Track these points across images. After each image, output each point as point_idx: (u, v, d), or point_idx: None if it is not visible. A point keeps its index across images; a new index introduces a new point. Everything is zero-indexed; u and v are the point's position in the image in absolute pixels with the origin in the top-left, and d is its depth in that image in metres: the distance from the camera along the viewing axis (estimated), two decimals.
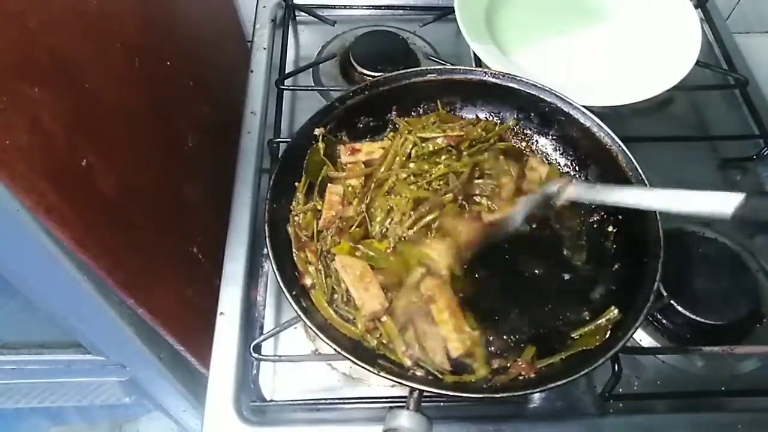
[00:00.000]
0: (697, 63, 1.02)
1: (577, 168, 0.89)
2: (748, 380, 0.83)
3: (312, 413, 0.79)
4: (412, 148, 0.85)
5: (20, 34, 0.59)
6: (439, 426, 0.77)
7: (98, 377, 1.13)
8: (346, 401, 0.80)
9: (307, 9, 1.20)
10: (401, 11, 1.23)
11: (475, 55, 1.04)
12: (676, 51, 1.05)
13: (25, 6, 0.60)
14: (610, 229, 0.83)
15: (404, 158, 0.84)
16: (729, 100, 1.13)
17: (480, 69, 0.89)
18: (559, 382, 0.65)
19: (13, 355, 1.04)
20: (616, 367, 0.77)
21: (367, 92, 0.87)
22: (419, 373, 0.70)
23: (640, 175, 0.78)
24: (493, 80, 0.88)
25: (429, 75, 0.88)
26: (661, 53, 1.06)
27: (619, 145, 0.81)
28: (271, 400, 0.80)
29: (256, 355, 0.79)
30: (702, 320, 0.82)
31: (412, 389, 0.65)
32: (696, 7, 1.13)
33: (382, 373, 0.65)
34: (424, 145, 0.84)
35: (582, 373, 0.65)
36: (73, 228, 0.68)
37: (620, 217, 0.82)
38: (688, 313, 0.82)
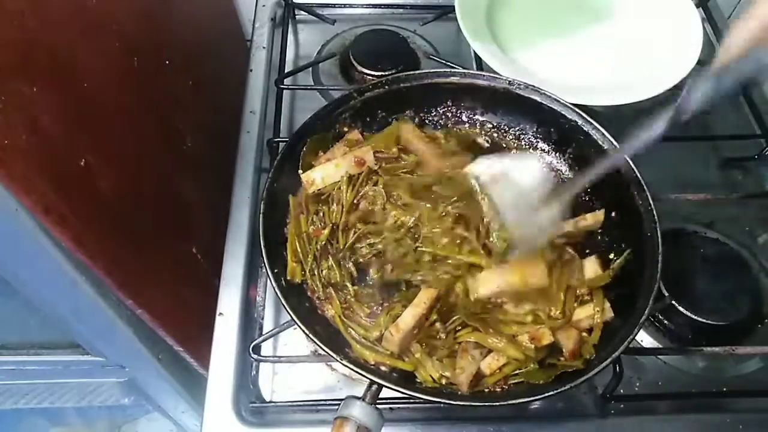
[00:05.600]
0: (699, 62, 1.01)
1: (589, 191, 0.85)
2: (750, 381, 0.83)
3: (311, 414, 0.79)
4: None
5: (20, 34, 0.59)
6: (441, 426, 0.78)
7: (97, 378, 1.13)
8: None
9: (307, 8, 1.20)
10: (401, 10, 1.22)
11: (475, 54, 1.04)
12: (678, 50, 1.05)
13: (25, 6, 0.59)
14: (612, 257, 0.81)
15: None
16: (730, 100, 1.12)
17: (505, 77, 0.88)
18: (521, 400, 0.66)
19: (12, 355, 1.04)
20: (617, 368, 0.77)
21: (387, 87, 0.86)
22: (383, 369, 0.71)
23: (650, 205, 0.76)
24: (518, 91, 0.87)
25: (452, 77, 0.87)
26: (662, 53, 1.06)
27: (635, 174, 0.79)
28: (271, 401, 0.80)
29: (255, 356, 0.79)
30: (703, 321, 0.82)
31: (372, 383, 0.65)
32: (697, 6, 1.13)
33: (344, 362, 0.66)
34: None
35: (545, 395, 0.65)
36: (72, 228, 0.67)
37: (624, 246, 0.80)
38: (689, 314, 0.82)
